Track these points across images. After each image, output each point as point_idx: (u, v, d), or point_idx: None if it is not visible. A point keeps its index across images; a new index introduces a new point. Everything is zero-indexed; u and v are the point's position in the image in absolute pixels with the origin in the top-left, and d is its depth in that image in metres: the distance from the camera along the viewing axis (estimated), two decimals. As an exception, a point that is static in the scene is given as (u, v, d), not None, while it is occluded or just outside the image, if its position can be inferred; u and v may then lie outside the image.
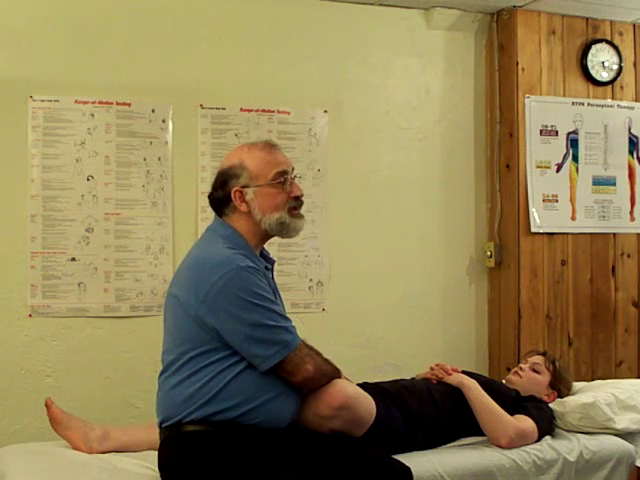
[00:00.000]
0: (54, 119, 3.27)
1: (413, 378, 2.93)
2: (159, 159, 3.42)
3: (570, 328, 3.93)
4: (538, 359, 3.03)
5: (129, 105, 3.38)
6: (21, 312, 3.22)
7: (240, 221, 2.33)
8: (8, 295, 3.21)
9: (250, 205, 2.30)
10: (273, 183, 2.30)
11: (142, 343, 3.31)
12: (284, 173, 2.31)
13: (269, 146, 2.36)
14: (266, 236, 2.36)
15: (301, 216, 2.37)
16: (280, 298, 2.40)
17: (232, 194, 2.31)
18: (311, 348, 2.31)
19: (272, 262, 2.45)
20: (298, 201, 2.35)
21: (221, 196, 2.34)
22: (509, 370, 3.22)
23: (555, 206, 3.91)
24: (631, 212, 4.08)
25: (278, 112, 3.61)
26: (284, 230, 2.33)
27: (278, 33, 3.62)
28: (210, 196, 2.40)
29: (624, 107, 4.08)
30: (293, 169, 2.38)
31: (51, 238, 3.26)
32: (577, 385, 3.11)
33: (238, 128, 3.54)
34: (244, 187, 2.30)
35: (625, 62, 4.05)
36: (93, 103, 3.32)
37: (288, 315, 2.35)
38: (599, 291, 4.01)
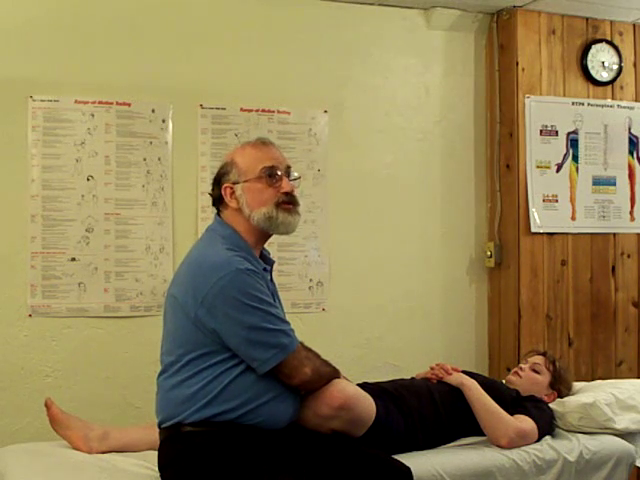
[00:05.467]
0: (54, 119, 3.27)
1: (413, 378, 2.93)
2: (159, 159, 3.42)
3: (570, 328, 3.93)
4: (538, 359, 3.03)
5: (129, 105, 3.38)
6: (21, 312, 3.22)
7: (233, 217, 2.33)
8: (8, 295, 3.21)
9: (239, 201, 2.31)
10: (260, 178, 2.29)
11: (142, 343, 3.31)
12: (272, 168, 2.30)
13: (260, 143, 2.36)
14: (261, 234, 2.35)
15: (293, 212, 2.33)
16: (279, 300, 2.40)
17: (223, 190, 2.34)
18: (309, 350, 2.31)
19: (271, 263, 2.44)
20: (288, 196, 2.32)
21: (216, 194, 2.37)
22: (509, 370, 3.22)
23: (555, 206, 3.91)
24: (631, 212, 4.08)
25: (278, 112, 3.61)
26: (272, 225, 2.30)
27: (278, 33, 3.62)
28: (210, 194, 2.42)
29: (624, 107, 4.08)
30: (289, 167, 2.37)
31: (51, 238, 3.26)
32: (577, 385, 3.11)
33: (238, 128, 3.54)
34: (234, 183, 2.32)
35: (625, 62, 4.05)
36: (93, 103, 3.32)
37: (288, 315, 2.36)
38: (599, 291, 4.00)
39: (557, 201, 3.91)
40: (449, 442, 2.71)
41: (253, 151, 2.34)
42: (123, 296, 3.35)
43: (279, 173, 2.31)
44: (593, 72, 3.98)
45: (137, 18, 3.39)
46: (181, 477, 2.21)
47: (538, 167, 3.88)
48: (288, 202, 2.32)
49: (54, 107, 3.27)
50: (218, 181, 2.37)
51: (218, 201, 2.38)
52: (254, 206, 2.30)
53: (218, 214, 2.40)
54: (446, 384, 2.80)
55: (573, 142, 3.97)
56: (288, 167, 2.37)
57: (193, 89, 3.47)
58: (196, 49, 3.47)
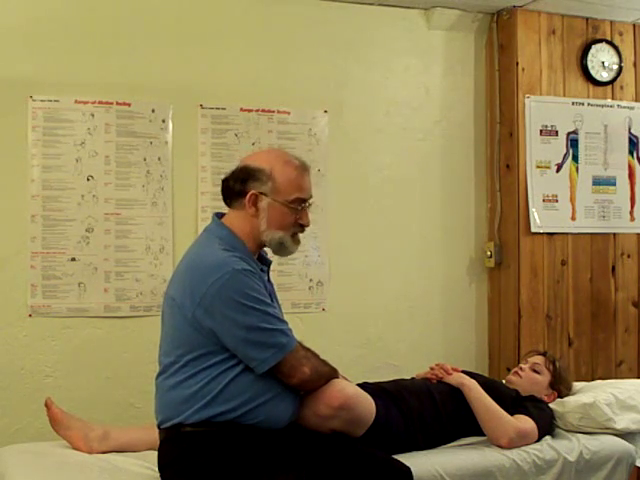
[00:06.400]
0: (54, 119, 3.27)
1: (413, 378, 2.93)
2: (159, 159, 3.42)
3: (570, 328, 3.93)
4: (538, 359, 3.03)
5: (129, 105, 3.38)
6: (21, 312, 3.22)
7: (241, 220, 2.32)
8: (8, 295, 3.21)
9: (260, 212, 2.30)
10: (290, 205, 2.30)
11: (142, 343, 3.30)
12: (303, 201, 2.34)
13: (303, 169, 2.35)
14: (263, 245, 2.37)
15: (299, 241, 2.39)
16: (277, 300, 2.40)
17: (247, 195, 2.29)
18: (308, 350, 2.31)
19: (268, 263, 2.45)
20: (302, 228, 2.37)
21: (237, 190, 2.32)
22: (509, 370, 3.22)
23: (555, 206, 3.91)
24: (631, 212, 4.08)
25: (278, 112, 3.61)
26: (281, 250, 2.36)
27: (278, 33, 3.62)
28: (225, 182, 2.36)
29: (624, 107, 4.08)
30: (311, 197, 2.39)
31: (51, 238, 3.26)
32: (577, 385, 3.11)
33: (238, 128, 3.54)
34: (262, 194, 2.29)
35: (625, 62, 4.05)
36: (93, 103, 3.32)
37: (288, 315, 2.36)
38: (599, 291, 4.00)
39: (557, 201, 3.91)
40: (449, 442, 2.71)
41: (294, 174, 2.32)
42: (123, 296, 3.35)
43: (307, 206, 2.35)
44: (593, 72, 3.98)
45: (137, 18, 3.39)
46: (181, 477, 2.21)
47: (538, 167, 3.88)
48: (298, 233, 2.38)
49: (54, 107, 3.27)
50: (244, 180, 2.30)
51: (233, 196, 2.33)
52: (272, 226, 2.30)
53: (219, 213, 2.40)
54: (446, 384, 2.80)
55: (573, 142, 3.97)
56: (310, 197, 2.39)
57: (193, 89, 3.47)
58: (196, 49, 3.47)
